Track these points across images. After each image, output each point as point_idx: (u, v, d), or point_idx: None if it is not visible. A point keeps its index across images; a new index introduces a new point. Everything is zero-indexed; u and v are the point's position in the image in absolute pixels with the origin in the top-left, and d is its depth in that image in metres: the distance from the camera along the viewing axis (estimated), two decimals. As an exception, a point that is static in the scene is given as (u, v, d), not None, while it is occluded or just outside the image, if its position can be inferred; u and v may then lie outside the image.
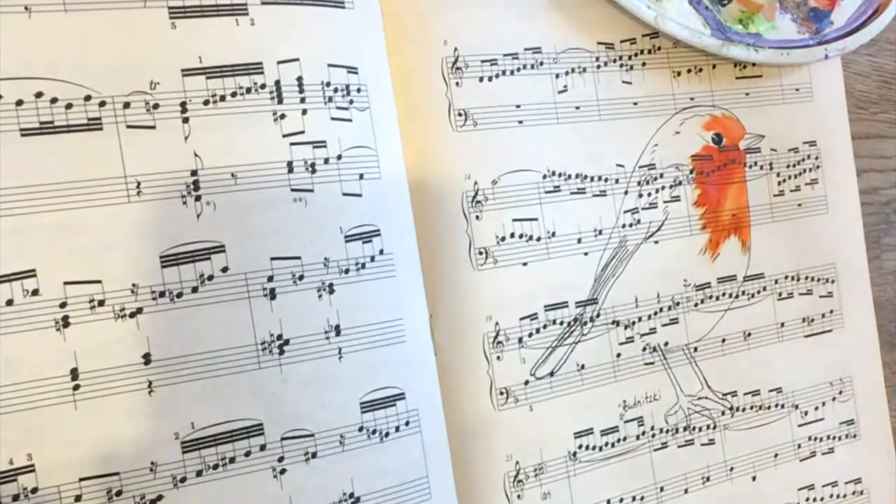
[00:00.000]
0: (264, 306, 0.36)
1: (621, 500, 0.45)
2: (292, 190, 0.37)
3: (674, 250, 0.47)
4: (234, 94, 0.36)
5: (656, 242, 0.47)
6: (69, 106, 0.34)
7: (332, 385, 0.37)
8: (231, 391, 0.35)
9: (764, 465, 0.50)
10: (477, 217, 0.42)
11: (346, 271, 0.38)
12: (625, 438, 0.46)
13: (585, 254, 0.45)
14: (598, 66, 0.46)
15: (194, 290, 0.35)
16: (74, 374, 0.33)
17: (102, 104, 0.34)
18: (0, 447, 0.32)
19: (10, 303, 0.33)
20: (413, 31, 0.42)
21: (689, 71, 0.48)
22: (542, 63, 0.44)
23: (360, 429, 0.38)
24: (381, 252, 0.39)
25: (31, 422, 0.33)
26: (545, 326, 0.44)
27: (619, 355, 0.46)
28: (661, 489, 0.46)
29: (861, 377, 0.53)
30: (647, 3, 0.45)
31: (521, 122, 0.43)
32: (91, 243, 0.34)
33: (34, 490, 0.33)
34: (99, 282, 0.34)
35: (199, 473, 0.35)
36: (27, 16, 0.33)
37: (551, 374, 0.44)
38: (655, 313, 0.47)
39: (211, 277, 0.35)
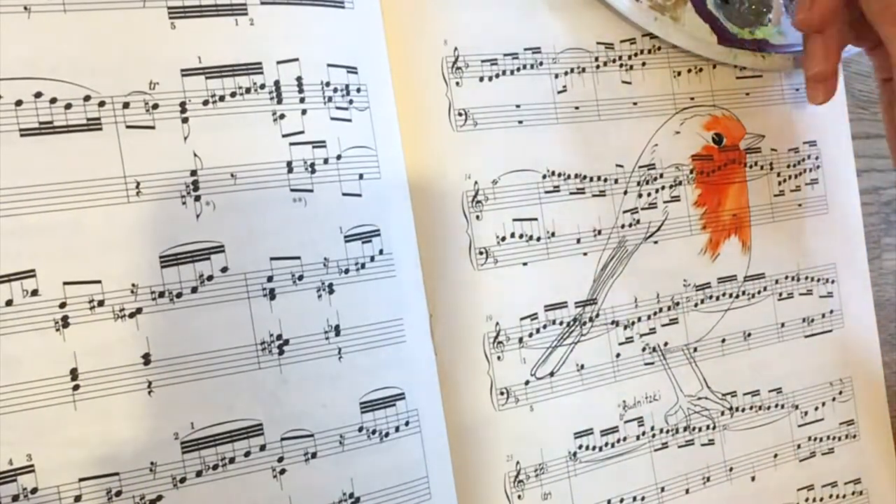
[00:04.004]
0: (264, 306, 0.36)
1: (622, 500, 0.45)
2: (292, 190, 0.37)
3: (674, 250, 0.47)
4: (233, 95, 0.36)
5: (656, 242, 0.47)
6: (68, 106, 0.34)
7: (331, 385, 0.37)
8: (231, 391, 0.35)
9: (763, 465, 0.50)
10: (477, 217, 0.42)
11: (346, 271, 0.38)
12: (625, 438, 0.46)
13: (585, 254, 0.45)
14: (598, 66, 0.46)
15: (194, 290, 0.35)
16: (74, 374, 0.33)
17: (102, 104, 0.34)
18: (0, 447, 0.32)
19: (9, 303, 0.33)
20: (413, 30, 0.42)
21: (689, 71, 0.48)
22: (541, 63, 0.44)
23: (360, 429, 0.38)
24: (381, 252, 0.39)
25: (31, 422, 0.33)
26: (545, 326, 0.44)
27: (618, 355, 0.46)
28: (662, 489, 0.46)
29: (861, 377, 0.53)
30: (654, 16, 0.45)
31: (521, 122, 0.43)
32: (90, 243, 0.34)
33: (34, 490, 0.33)
34: (98, 282, 0.34)
35: (198, 474, 0.35)
36: (27, 16, 0.33)
37: (551, 374, 0.44)
38: (655, 313, 0.47)
39: (210, 277, 0.35)
